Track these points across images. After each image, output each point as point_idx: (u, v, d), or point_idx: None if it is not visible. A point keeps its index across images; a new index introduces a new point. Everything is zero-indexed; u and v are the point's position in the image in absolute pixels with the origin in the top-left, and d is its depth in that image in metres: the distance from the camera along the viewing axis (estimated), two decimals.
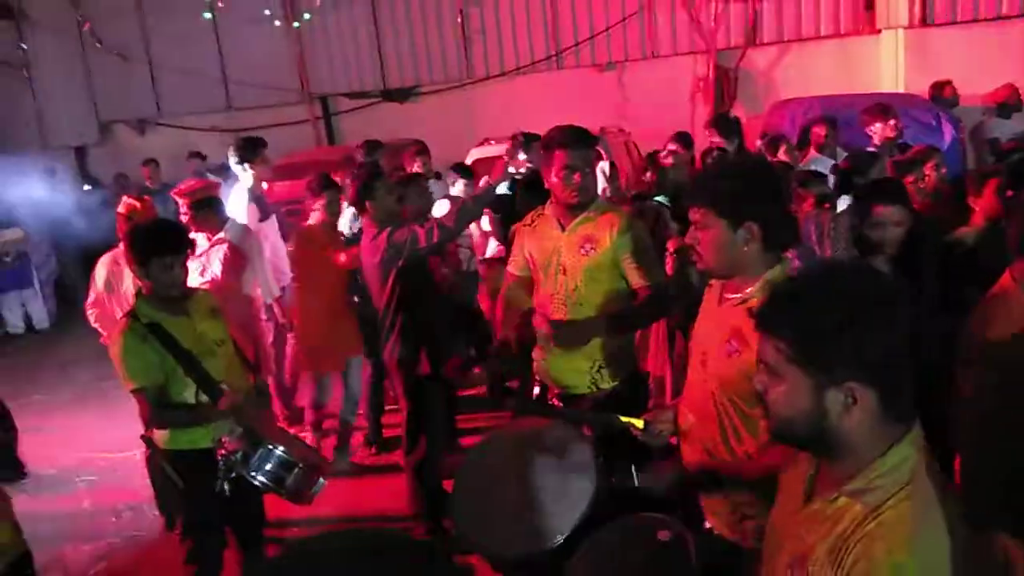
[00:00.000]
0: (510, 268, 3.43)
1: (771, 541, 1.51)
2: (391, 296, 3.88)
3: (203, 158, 9.84)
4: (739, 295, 2.09)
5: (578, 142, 3.07)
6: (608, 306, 3.08)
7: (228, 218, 4.64)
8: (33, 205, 10.29)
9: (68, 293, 9.59)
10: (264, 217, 5.26)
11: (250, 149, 5.26)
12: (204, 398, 3.09)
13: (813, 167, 5.06)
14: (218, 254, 4.35)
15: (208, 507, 3.12)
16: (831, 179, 4.55)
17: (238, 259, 4.41)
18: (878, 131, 5.37)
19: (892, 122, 5.35)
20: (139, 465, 4.45)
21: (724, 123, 6.15)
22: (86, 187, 10.97)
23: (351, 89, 11.92)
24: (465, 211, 3.82)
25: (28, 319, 9.40)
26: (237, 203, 5.15)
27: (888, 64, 9.80)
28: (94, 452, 5.62)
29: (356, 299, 4.77)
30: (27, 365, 7.71)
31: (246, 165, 5.22)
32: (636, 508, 2.24)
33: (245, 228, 4.78)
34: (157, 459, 3.35)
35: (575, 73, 11.10)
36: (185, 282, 3.19)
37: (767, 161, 4.16)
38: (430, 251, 3.89)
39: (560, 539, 2.24)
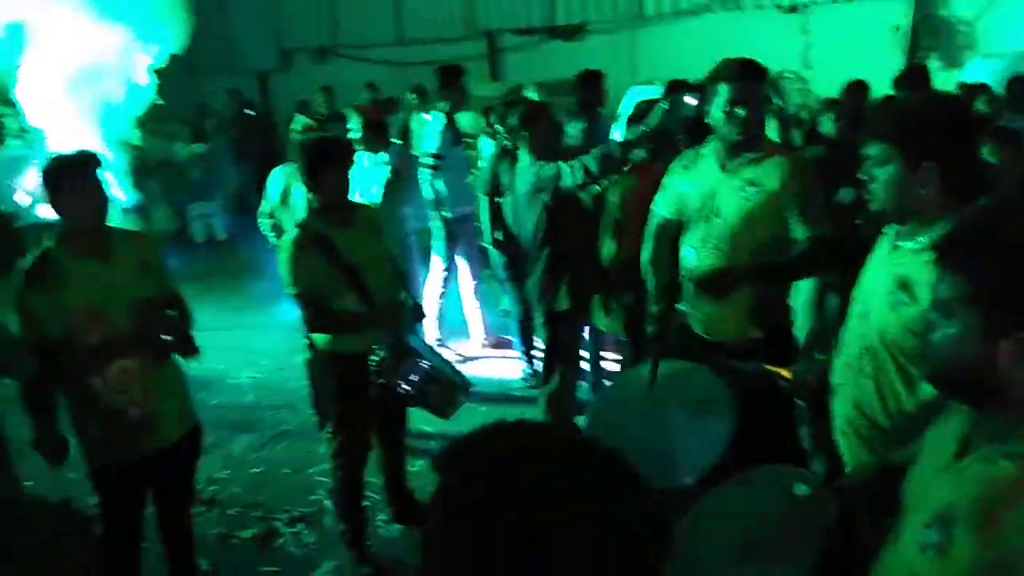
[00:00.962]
0: (659, 209, 3.33)
1: (909, 498, 1.42)
2: (537, 228, 3.92)
3: (376, 89, 10.21)
4: (912, 243, 1.94)
5: (745, 76, 2.89)
6: (763, 254, 2.95)
7: (392, 142, 4.83)
8: (220, 123, 11.13)
9: (246, 206, 10.36)
10: (455, 143, 5.40)
11: (449, 76, 5.41)
12: (361, 309, 3.26)
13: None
14: (381, 175, 4.54)
15: (357, 408, 3.32)
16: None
17: (398, 181, 4.58)
18: None
19: None
20: (299, 367, 4.78)
21: (912, 78, 5.67)
22: (247, 111, 11.68)
23: (519, 25, 11.89)
24: (610, 156, 3.73)
25: (209, 229, 10.24)
26: (432, 128, 5.33)
27: None
28: (260, 353, 6.10)
29: None
30: (205, 271, 8.37)
31: (447, 91, 5.36)
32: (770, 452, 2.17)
33: (405, 154, 4.96)
34: (316, 361, 3.59)
35: (754, 15, 10.49)
36: (347, 195, 3.34)
37: (959, 100, 3.72)
38: (573, 191, 3.87)
39: (690, 480, 2.21)
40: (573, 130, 4.98)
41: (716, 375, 2.50)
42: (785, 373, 2.30)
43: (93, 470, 2.84)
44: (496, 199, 4.66)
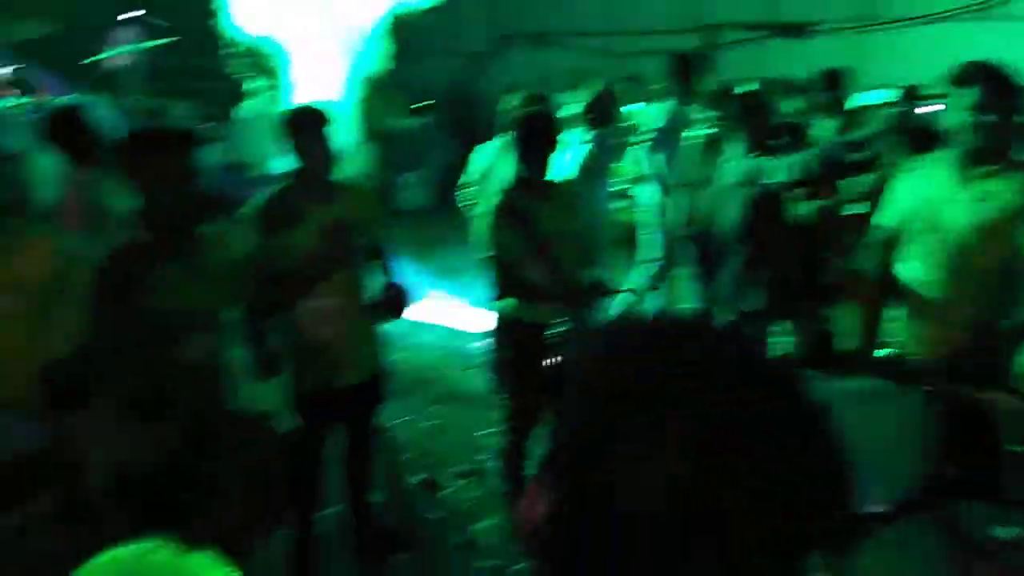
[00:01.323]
0: (882, 218, 3.12)
1: None
2: (738, 222, 3.80)
3: (590, 77, 10.27)
4: None
5: (997, 80, 2.66)
6: (992, 274, 2.69)
7: (608, 125, 4.88)
8: (434, 101, 11.70)
9: (452, 181, 10.82)
10: (678, 128, 5.34)
11: (680, 65, 5.41)
12: (548, 281, 3.32)
13: None
14: (582, 153, 4.59)
15: (531, 377, 3.39)
16: None
17: (598, 162, 4.62)
18: None
19: None
20: (480, 335, 4.91)
21: None
22: (460, 92, 12.14)
23: (743, 20, 11.47)
24: (832, 158, 3.58)
25: (416, 199, 10.80)
26: (658, 110, 5.35)
27: None
28: (447, 315, 6.38)
29: None
30: (407, 238, 8.78)
31: (675, 78, 5.35)
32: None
33: (611, 140, 4.96)
34: (498, 327, 3.70)
35: (1001, 26, 9.43)
36: (544, 171, 3.40)
37: None
38: (782, 188, 3.73)
39: (876, 509, 2.07)
40: (822, 130, 4.70)
41: (925, 403, 2.32)
42: (1001, 399, 2.09)
43: (292, 396, 3.11)
44: (694, 191, 4.55)
